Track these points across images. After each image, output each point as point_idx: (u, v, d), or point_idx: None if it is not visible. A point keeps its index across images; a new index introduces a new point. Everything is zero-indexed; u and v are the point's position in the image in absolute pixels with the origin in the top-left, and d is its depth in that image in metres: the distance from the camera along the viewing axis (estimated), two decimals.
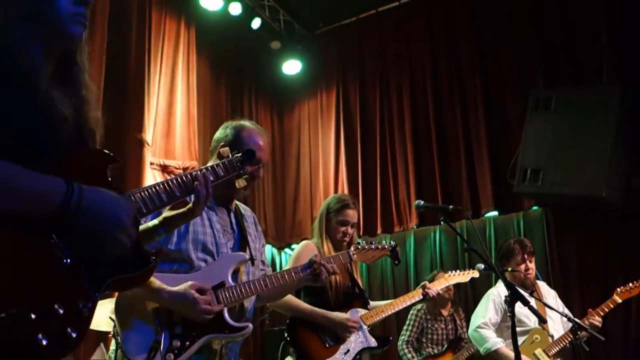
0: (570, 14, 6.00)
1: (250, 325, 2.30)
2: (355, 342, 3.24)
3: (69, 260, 1.23)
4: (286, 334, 3.22)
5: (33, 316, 1.14)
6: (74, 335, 1.21)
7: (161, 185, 1.56)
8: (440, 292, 3.83)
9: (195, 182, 1.69)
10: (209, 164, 1.83)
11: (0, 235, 1.15)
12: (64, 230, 1.22)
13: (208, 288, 2.19)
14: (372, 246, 3.12)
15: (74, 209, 1.21)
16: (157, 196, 1.52)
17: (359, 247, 3.09)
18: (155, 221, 1.90)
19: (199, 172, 1.72)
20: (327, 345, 3.17)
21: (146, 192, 1.50)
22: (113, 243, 1.27)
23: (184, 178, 1.66)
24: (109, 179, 1.40)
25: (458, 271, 3.96)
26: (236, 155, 1.91)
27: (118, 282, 1.35)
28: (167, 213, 1.86)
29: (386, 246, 3.16)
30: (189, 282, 2.16)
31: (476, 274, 3.96)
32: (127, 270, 1.35)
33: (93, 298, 1.27)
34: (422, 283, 3.70)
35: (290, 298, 3.15)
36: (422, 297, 3.60)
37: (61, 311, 1.19)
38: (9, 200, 1.14)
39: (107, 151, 1.43)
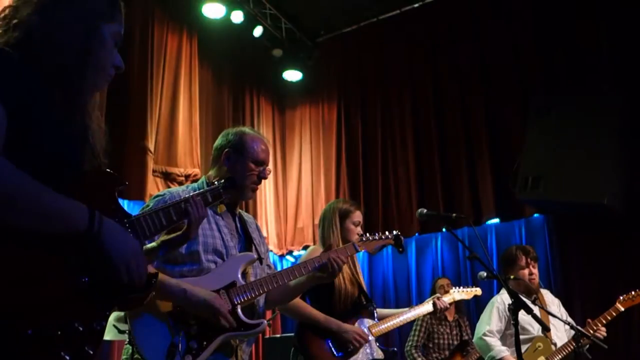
0: (571, 21, 6.03)
1: (265, 322, 2.35)
2: (363, 353, 3.24)
3: (86, 280, 1.30)
4: (296, 340, 3.22)
5: (59, 333, 1.20)
6: (90, 352, 1.27)
7: (160, 211, 1.64)
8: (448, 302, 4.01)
9: (188, 207, 1.78)
10: (199, 192, 1.91)
11: (27, 254, 1.20)
12: (82, 253, 1.28)
13: (228, 308, 2.25)
14: (376, 236, 3.11)
15: (96, 234, 1.28)
16: (158, 220, 1.60)
17: (363, 238, 3.09)
18: (154, 244, 1.96)
19: (191, 199, 1.79)
20: (336, 355, 3.17)
21: (148, 217, 1.57)
22: (128, 270, 1.34)
23: (182, 204, 1.75)
24: (118, 200, 1.48)
25: (462, 287, 4.22)
26: (220, 182, 1.99)
27: (123, 302, 1.45)
28: (164, 237, 1.93)
29: (389, 235, 3.15)
30: (213, 294, 2.23)
31: (479, 292, 4.24)
32: (131, 291, 1.41)
33: (105, 317, 1.34)
34: (436, 295, 3.97)
35: (302, 304, 3.16)
36: (432, 308, 3.78)
37: (80, 329, 1.24)
38: (39, 219, 1.20)
39: (113, 172, 1.50)
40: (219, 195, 1.93)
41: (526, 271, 4.05)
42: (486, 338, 4.01)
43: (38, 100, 1.28)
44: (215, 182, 2.01)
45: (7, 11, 1.39)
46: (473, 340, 4.31)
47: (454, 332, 5.42)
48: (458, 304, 5.52)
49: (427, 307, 3.77)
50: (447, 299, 3.99)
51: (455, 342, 5.38)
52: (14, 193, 1.15)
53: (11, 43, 1.32)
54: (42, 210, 1.20)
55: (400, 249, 3.20)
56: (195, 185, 2.56)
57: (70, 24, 1.37)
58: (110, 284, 1.32)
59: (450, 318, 5.46)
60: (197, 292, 2.19)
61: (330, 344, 3.18)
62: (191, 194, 1.82)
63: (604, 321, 3.94)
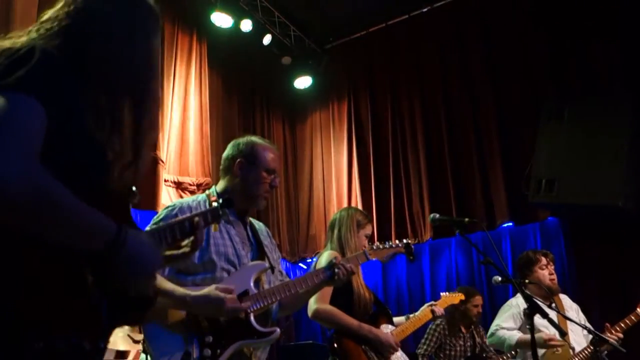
0: (582, 23, 5.99)
1: (278, 330, 2.35)
2: (396, 357, 3.31)
3: (97, 298, 1.27)
4: (333, 346, 3.22)
5: (68, 349, 1.18)
6: None
7: (167, 229, 1.63)
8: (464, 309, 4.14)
9: (197, 230, 1.75)
10: (199, 212, 1.87)
11: (48, 266, 1.18)
12: (101, 266, 1.25)
13: (233, 288, 2.23)
14: (387, 245, 3.16)
15: (119, 249, 1.25)
16: (164, 237, 1.59)
17: (374, 246, 3.13)
18: None
19: (201, 220, 1.76)
20: None
21: (157, 233, 1.57)
22: (143, 284, 1.33)
23: (186, 223, 1.72)
24: (131, 214, 1.46)
25: (448, 292, 4.46)
26: (219, 203, 2.00)
27: (125, 320, 1.45)
28: (170, 251, 1.91)
29: (400, 244, 3.19)
30: (212, 285, 2.21)
31: (463, 297, 4.57)
32: (133, 309, 1.40)
33: (109, 335, 1.32)
34: (432, 302, 4.06)
35: (335, 311, 3.18)
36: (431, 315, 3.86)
37: (87, 347, 1.22)
38: (72, 232, 1.18)
39: (131, 186, 1.48)
40: (217, 217, 1.94)
41: (546, 271, 4.05)
42: (497, 332, 4.07)
43: (84, 114, 1.26)
44: (214, 203, 2.01)
45: (60, 20, 1.35)
46: (487, 342, 4.32)
47: (468, 344, 5.32)
48: (476, 320, 5.45)
49: (425, 313, 3.84)
50: (445, 305, 4.18)
51: (469, 354, 5.30)
52: (56, 207, 1.13)
53: (62, 50, 1.28)
54: (76, 224, 1.18)
55: (411, 257, 3.26)
56: (204, 195, 2.58)
57: (132, 42, 1.38)
58: (124, 299, 1.30)
59: (465, 330, 5.37)
60: (202, 294, 2.18)
61: (365, 350, 3.21)
62: (193, 214, 1.79)
63: (623, 327, 3.88)
